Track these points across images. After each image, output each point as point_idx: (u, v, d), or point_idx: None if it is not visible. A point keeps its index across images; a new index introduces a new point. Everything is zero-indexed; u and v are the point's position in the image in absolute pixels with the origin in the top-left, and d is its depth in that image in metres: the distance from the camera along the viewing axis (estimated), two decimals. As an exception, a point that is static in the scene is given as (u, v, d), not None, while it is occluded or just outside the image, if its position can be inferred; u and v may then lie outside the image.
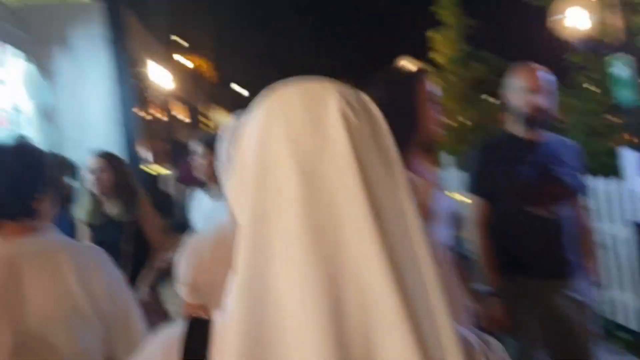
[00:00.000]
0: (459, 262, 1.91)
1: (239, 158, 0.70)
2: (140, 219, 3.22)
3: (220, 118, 23.47)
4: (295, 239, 0.60)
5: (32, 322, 1.41)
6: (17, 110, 5.38)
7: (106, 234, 3.14)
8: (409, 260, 0.61)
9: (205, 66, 23.70)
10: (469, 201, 2.52)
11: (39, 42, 5.80)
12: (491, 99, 9.51)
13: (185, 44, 21.25)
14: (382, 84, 1.86)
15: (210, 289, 1.38)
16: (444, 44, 9.68)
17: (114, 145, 6.21)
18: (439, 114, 1.91)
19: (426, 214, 1.76)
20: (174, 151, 11.29)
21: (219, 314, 0.68)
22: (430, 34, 9.89)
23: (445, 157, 8.28)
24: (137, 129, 6.07)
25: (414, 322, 0.58)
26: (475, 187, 2.53)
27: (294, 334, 0.58)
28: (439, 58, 9.83)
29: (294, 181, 0.62)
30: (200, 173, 3.02)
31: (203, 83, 23.02)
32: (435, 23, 9.84)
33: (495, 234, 2.44)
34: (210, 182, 2.98)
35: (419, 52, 10.50)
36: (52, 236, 1.58)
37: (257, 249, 0.61)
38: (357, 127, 0.65)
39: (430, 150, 2.01)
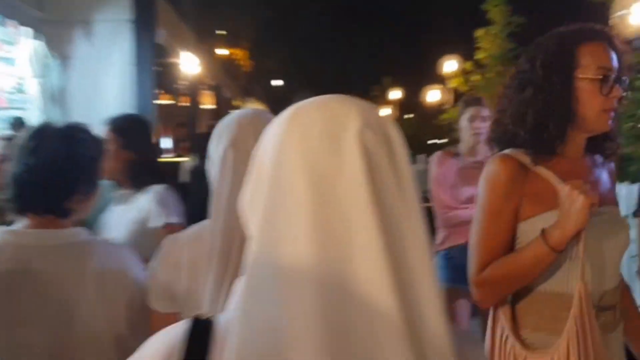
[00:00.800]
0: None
1: (255, 170, 0.71)
2: None
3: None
4: (303, 257, 0.61)
5: (23, 322, 1.32)
6: (19, 90, 5.13)
7: None
8: (416, 282, 0.62)
9: (240, 55, 23.50)
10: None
11: (57, 23, 5.53)
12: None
13: (222, 32, 21.08)
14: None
15: (186, 296, 1.33)
16: (490, 43, 9.25)
17: None
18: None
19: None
20: (194, 140, 11.02)
21: (222, 315, 0.71)
22: (477, 32, 9.46)
23: None
24: (155, 116, 5.77)
25: (415, 338, 0.60)
26: None
27: (298, 342, 0.59)
28: (484, 57, 9.40)
29: (307, 199, 0.63)
30: None
31: (237, 73, 22.83)
32: (486, 22, 9.45)
33: None
34: None
35: (466, 51, 10.10)
36: (79, 232, 1.44)
37: (266, 257, 0.63)
38: (375, 151, 0.66)
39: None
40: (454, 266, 2.99)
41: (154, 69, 6.68)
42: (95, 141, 1.53)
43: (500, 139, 1.62)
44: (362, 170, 0.63)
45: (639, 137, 5.24)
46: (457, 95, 11.21)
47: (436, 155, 3.23)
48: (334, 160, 0.64)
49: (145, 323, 1.35)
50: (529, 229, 1.49)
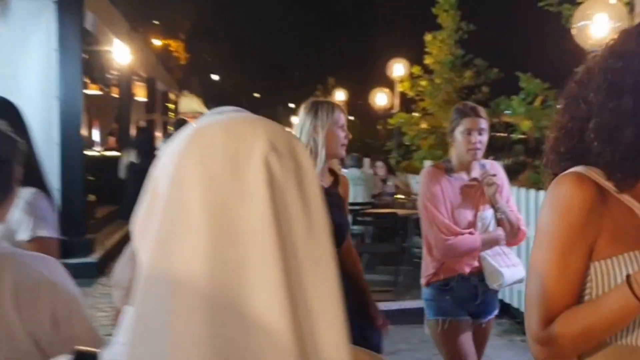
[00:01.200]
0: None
1: (150, 192, 0.67)
2: None
3: (188, 104, 22.49)
4: (195, 284, 0.59)
5: None
6: None
7: None
8: (316, 311, 0.62)
9: (176, 47, 22.69)
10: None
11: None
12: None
13: (157, 22, 20.25)
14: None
15: None
16: (438, 48, 9.13)
17: (51, 122, 5.36)
18: None
19: None
20: (125, 133, 10.32)
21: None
22: (426, 37, 9.32)
23: (426, 163, 7.77)
24: (82, 106, 5.23)
25: None
26: None
27: None
28: (432, 62, 9.28)
29: (204, 226, 0.61)
30: None
31: (173, 65, 22.04)
32: (436, 27, 9.32)
33: None
34: None
35: (415, 55, 9.95)
36: None
37: (157, 283, 0.61)
38: (280, 177, 0.63)
39: None
40: (455, 298, 2.71)
41: (82, 56, 6.09)
42: (7, 138, 1.39)
43: (565, 153, 1.27)
44: (264, 197, 0.61)
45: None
46: (404, 100, 11.10)
47: (427, 171, 2.83)
48: (236, 186, 0.62)
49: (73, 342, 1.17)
50: (604, 272, 1.18)
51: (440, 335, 2.72)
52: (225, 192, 0.61)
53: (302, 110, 2.49)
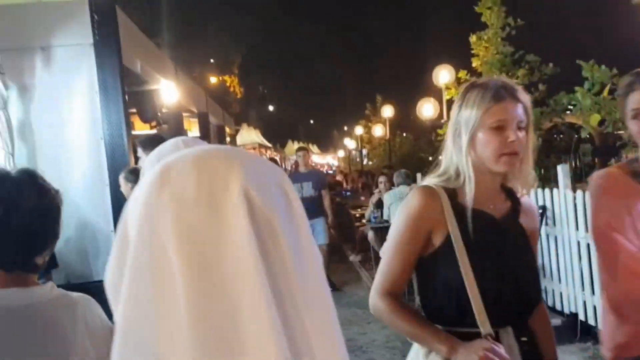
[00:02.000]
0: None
1: (119, 241, 0.61)
2: None
3: (246, 136, 22.84)
4: (185, 351, 0.52)
5: None
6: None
7: None
8: (319, 346, 0.58)
9: (230, 82, 23.21)
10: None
11: (8, 49, 5.07)
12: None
13: (211, 61, 20.77)
14: None
15: None
16: (484, 48, 8.76)
17: (100, 163, 5.45)
18: None
19: None
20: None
21: None
22: (471, 38, 8.97)
23: None
24: (126, 145, 5.29)
25: None
26: None
27: None
28: (479, 63, 8.90)
29: (183, 273, 0.53)
30: None
31: (229, 99, 22.50)
32: (480, 27, 8.93)
33: None
34: None
35: (460, 59, 9.62)
36: (47, 288, 1.41)
37: (134, 340, 0.56)
38: (262, 209, 0.58)
39: None
40: None
41: (125, 96, 6.21)
42: (51, 188, 1.47)
43: None
44: (247, 233, 0.55)
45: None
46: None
47: (601, 177, 1.88)
48: (214, 224, 0.56)
49: None
50: None
51: None
52: (203, 233, 0.55)
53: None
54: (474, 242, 1.70)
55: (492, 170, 1.74)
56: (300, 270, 0.58)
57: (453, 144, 1.77)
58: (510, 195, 1.84)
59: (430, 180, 1.82)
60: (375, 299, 1.76)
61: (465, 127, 1.72)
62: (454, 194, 1.76)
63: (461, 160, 1.74)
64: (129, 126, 7.08)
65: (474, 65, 9.06)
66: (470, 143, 1.73)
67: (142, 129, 9.57)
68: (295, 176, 8.29)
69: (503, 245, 1.77)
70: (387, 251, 1.80)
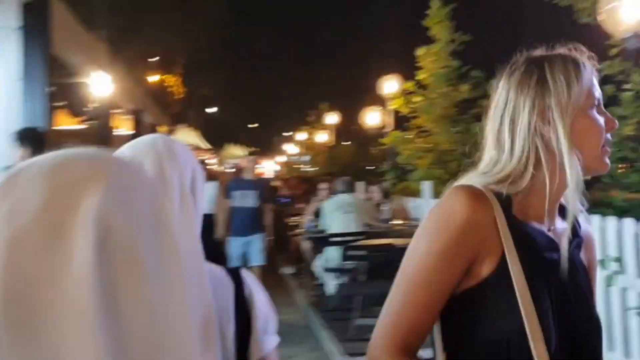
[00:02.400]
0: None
1: None
2: None
3: (183, 136, 22.23)
4: None
5: None
6: None
7: None
8: None
9: (172, 82, 22.58)
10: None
11: None
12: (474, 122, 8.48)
13: (152, 59, 20.13)
14: None
15: None
16: (432, 62, 8.79)
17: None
18: None
19: None
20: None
21: None
22: (419, 51, 8.99)
23: (424, 184, 7.33)
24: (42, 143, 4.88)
25: None
26: None
27: None
28: (426, 76, 8.94)
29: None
30: None
31: (168, 99, 21.92)
32: (428, 40, 8.96)
33: None
34: None
35: (407, 71, 9.62)
36: None
37: None
38: (121, 234, 0.48)
39: None
40: None
41: (50, 87, 5.76)
42: None
43: None
44: (89, 267, 0.44)
45: None
46: (398, 118, 10.72)
47: None
48: (49, 253, 0.44)
49: None
50: None
51: None
52: (32, 267, 0.44)
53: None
54: (536, 276, 1.15)
55: (589, 171, 1.21)
56: (162, 299, 0.49)
57: (527, 132, 1.19)
58: (565, 216, 1.25)
59: (474, 178, 1.22)
60: (379, 358, 1.17)
61: (559, 110, 1.17)
62: (507, 203, 1.18)
63: (561, 153, 1.17)
64: (51, 119, 6.60)
65: (419, 77, 9.07)
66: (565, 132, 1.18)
67: (70, 124, 9.04)
68: (238, 183, 7.34)
69: (563, 286, 1.20)
70: (401, 285, 1.22)
